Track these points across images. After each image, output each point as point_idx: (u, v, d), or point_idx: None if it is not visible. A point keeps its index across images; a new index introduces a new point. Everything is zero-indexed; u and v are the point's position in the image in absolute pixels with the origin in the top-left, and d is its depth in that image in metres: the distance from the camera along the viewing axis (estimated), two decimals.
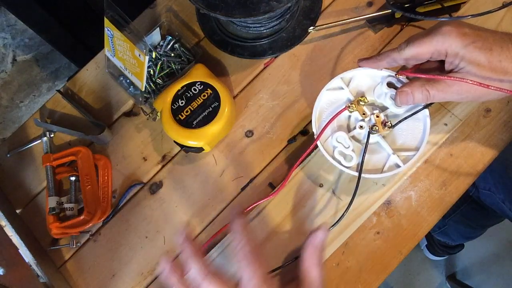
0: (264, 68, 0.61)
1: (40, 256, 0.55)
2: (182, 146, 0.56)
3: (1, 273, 0.46)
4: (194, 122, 0.54)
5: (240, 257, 0.39)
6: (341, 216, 0.49)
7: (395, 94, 0.47)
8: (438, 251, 1.27)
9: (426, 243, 1.31)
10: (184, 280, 0.39)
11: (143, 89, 0.56)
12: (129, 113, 0.62)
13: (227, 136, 0.59)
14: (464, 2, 0.58)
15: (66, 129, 0.60)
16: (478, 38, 0.41)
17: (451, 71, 0.44)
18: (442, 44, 0.42)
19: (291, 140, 0.57)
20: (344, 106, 0.50)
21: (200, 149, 0.56)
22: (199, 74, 0.56)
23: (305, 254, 0.43)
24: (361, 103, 0.50)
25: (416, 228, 0.52)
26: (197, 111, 0.55)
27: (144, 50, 0.51)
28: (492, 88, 0.41)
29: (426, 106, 0.49)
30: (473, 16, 0.46)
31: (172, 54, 0.60)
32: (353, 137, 0.50)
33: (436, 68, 0.47)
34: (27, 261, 0.53)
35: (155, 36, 0.61)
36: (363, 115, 0.49)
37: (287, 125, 0.58)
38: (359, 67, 0.50)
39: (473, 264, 1.33)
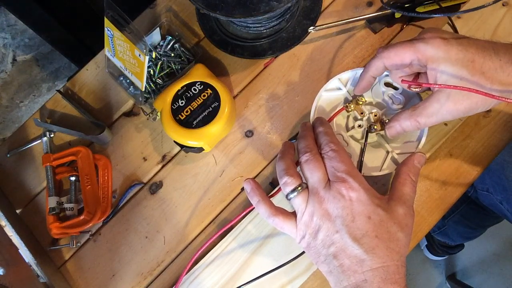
0: (264, 68, 0.61)
1: (40, 256, 0.55)
2: (182, 146, 0.56)
3: (1, 273, 0.46)
4: (194, 122, 0.54)
5: (326, 147, 0.42)
6: None
7: (385, 130, 0.46)
8: (438, 251, 1.27)
9: (426, 243, 1.31)
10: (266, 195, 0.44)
11: (143, 89, 0.56)
12: (129, 113, 0.62)
13: (227, 136, 0.59)
14: (464, 2, 0.58)
15: (66, 129, 0.60)
16: (460, 48, 0.39)
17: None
18: (424, 51, 0.40)
19: (291, 140, 0.57)
20: (342, 106, 0.50)
21: (200, 149, 0.56)
22: (199, 74, 0.57)
23: (402, 168, 0.44)
24: (359, 102, 0.50)
25: (416, 228, 0.52)
26: (197, 111, 0.55)
27: (144, 50, 0.52)
28: (497, 97, 0.38)
29: None
30: (469, 10, 0.46)
31: (172, 54, 0.60)
32: (352, 137, 0.50)
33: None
34: (27, 261, 0.53)
35: (155, 36, 0.61)
36: (361, 114, 0.50)
37: (287, 125, 0.58)
38: (357, 95, 0.50)
39: (473, 264, 1.34)
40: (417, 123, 0.43)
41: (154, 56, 0.59)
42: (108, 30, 0.55)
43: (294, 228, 0.42)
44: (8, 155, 0.61)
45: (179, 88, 0.56)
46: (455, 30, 0.56)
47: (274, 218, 0.42)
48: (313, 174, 0.41)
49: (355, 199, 0.39)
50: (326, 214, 0.40)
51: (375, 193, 0.41)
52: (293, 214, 0.43)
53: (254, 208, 0.48)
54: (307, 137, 0.45)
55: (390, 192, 0.42)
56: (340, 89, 0.51)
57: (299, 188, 0.41)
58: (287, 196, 0.42)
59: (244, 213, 0.48)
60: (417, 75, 0.46)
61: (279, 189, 0.50)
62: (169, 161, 0.59)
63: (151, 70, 0.59)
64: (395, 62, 0.43)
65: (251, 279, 0.50)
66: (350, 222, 0.38)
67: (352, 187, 0.39)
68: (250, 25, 0.59)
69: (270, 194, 0.47)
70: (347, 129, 0.51)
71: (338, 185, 0.40)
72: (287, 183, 0.42)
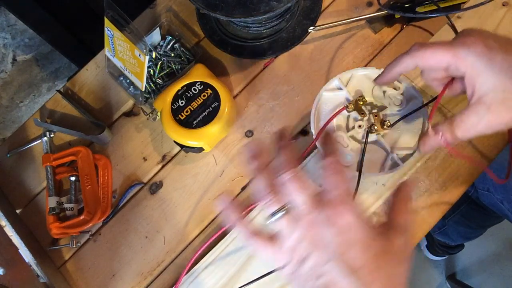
0: (264, 68, 0.61)
1: (40, 256, 0.55)
2: (182, 146, 0.56)
3: (1, 273, 0.46)
4: (194, 122, 0.54)
5: (325, 165, 0.36)
6: None
7: (418, 143, 0.43)
8: (438, 251, 1.27)
9: (426, 243, 1.31)
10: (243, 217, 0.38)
11: (143, 89, 0.56)
12: (129, 113, 0.62)
13: (227, 136, 0.59)
14: (464, 2, 0.58)
15: (66, 129, 0.60)
16: (505, 56, 0.36)
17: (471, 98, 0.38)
18: (465, 57, 0.37)
19: (291, 140, 0.57)
20: (342, 106, 0.50)
21: (200, 149, 0.56)
22: (199, 74, 0.57)
23: (395, 199, 0.40)
24: (359, 102, 0.50)
25: (416, 228, 0.52)
26: (197, 111, 0.55)
27: (144, 50, 0.52)
28: None
29: (424, 105, 0.49)
30: (468, 8, 0.45)
31: (172, 54, 0.60)
32: (352, 137, 0.50)
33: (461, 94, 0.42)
34: (27, 261, 0.53)
35: (155, 36, 0.61)
36: (362, 115, 0.49)
37: (287, 125, 0.58)
38: (377, 84, 0.47)
39: (473, 264, 1.33)
40: (454, 137, 0.40)
41: (154, 56, 0.59)
42: (108, 30, 0.55)
43: (276, 253, 0.36)
44: (8, 155, 0.61)
45: (179, 88, 0.56)
46: (455, 31, 0.56)
47: (252, 241, 0.36)
48: (299, 196, 0.35)
49: (350, 227, 0.34)
50: (316, 240, 0.34)
51: (371, 221, 0.36)
52: (276, 238, 0.36)
53: (254, 207, 0.48)
54: (288, 150, 0.38)
55: (386, 222, 0.38)
56: (340, 89, 0.51)
57: (284, 209, 0.35)
58: (270, 217, 0.35)
59: (245, 213, 0.48)
60: (452, 79, 0.42)
61: (253, 206, 0.48)
62: (169, 161, 0.59)
63: (151, 70, 0.59)
64: (430, 63, 0.39)
65: (251, 279, 0.50)
66: (346, 251, 0.33)
67: (345, 212, 0.34)
68: (250, 25, 0.59)
69: (245, 211, 0.44)
70: (347, 129, 0.51)
71: (331, 209, 0.34)
72: (270, 204, 0.35)
